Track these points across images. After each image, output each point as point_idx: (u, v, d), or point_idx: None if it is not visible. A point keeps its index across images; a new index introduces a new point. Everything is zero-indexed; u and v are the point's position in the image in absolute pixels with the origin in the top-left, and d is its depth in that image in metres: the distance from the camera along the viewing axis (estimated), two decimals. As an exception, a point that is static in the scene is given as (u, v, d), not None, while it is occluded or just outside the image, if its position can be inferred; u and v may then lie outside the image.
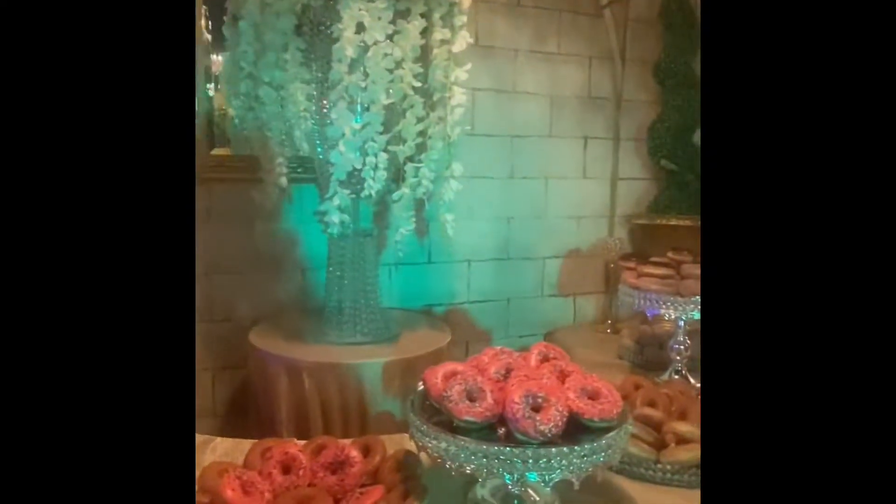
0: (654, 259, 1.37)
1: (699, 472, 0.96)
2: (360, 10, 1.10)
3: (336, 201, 1.18)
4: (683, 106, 1.89)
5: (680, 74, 1.88)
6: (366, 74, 1.13)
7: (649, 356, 1.56)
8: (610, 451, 0.76)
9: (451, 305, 1.84)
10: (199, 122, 1.45)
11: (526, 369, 0.86)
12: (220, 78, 1.46)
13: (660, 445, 1.01)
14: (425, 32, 1.20)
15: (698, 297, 1.26)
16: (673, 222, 1.85)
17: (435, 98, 1.24)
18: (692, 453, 0.96)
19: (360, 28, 1.12)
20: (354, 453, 0.89)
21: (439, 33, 1.21)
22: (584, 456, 0.74)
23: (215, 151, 1.53)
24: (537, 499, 0.84)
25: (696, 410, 1.08)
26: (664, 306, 1.29)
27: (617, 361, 1.62)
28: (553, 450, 0.73)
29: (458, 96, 1.27)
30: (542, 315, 1.97)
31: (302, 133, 1.19)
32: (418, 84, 1.18)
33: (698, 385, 1.36)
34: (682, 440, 1.00)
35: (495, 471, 0.75)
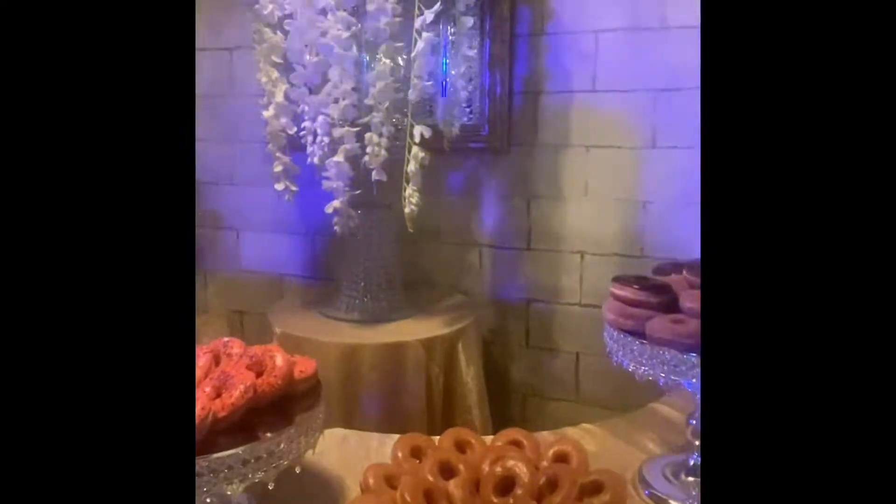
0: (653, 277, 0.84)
1: None
2: (278, -41, 1.03)
3: (278, 167, 1.15)
4: None
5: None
6: (286, 31, 1.06)
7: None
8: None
9: (555, 304, 1.50)
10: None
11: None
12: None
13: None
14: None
15: (682, 353, 0.72)
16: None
17: (382, 48, 1.06)
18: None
19: (283, -18, 1.05)
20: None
21: (379, -30, 1.02)
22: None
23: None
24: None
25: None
26: (621, 351, 0.79)
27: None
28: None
29: (421, 44, 1.05)
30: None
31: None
32: (346, 34, 1.03)
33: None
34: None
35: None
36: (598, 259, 1.45)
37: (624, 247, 1.43)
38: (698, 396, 0.79)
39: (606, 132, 1.40)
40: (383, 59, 1.05)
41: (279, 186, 1.15)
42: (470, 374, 1.27)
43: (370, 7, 1.02)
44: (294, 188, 1.16)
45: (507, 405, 1.57)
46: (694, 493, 0.82)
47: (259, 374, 0.73)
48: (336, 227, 1.12)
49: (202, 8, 1.65)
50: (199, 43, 1.68)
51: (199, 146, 1.75)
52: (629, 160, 1.40)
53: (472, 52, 1.17)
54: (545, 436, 0.96)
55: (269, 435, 0.66)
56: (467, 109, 1.43)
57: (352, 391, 1.17)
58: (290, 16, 1.06)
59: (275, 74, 1.09)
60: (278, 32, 1.08)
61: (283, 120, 1.11)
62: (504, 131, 1.46)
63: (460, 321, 1.29)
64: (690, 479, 0.83)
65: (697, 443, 0.83)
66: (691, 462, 0.84)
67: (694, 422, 0.83)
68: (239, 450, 0.63)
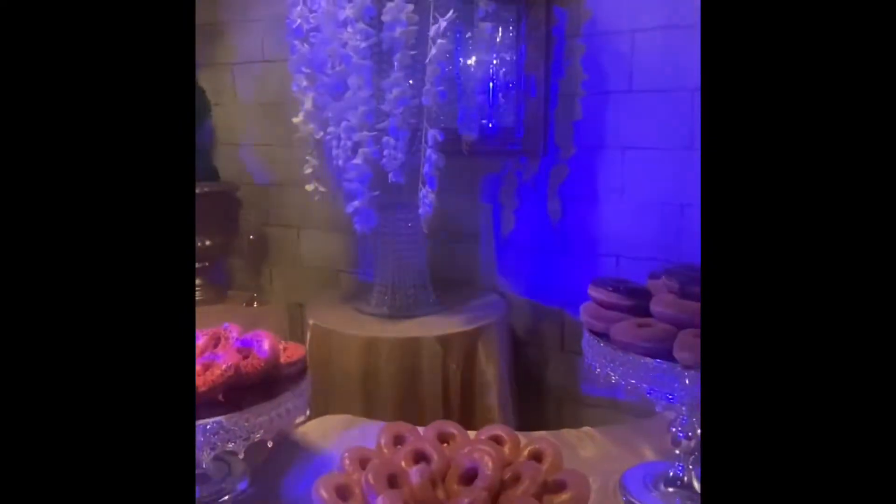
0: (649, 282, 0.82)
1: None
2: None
3: (307, 170, 1.24)
4: None
5: None
6: (311, 43, 1.14)
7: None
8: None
9: (590, 308, 1.48)
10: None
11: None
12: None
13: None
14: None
15: (642, 357, 0.71)
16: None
17: (398, 56, 1.11)
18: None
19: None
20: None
21: (394, -22, 1.07)
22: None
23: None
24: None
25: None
26: (591, 353, 0.79)
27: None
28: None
29: (434, 51, 1.09)
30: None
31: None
32: (364, 44, 1.09)
33: None
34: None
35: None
36: (635, 263, 1.42)
37: (661, 250, 1.39)
38: (666, 405, 0.77)
39: (643, 133, 1.37)
40: (399, 67, 1.10)
41: (309, 188, 1.24)
42: (489, 373, 1.29)
43: (386, 17, 1.08)
44: (322, 189, 1.24)
45: (543, 408, 1.56)
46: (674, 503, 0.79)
47: (246, 357, 0.81)
48: (356, 226, 1.19)
49: (267, 22, 1.80)
50: (265, 55, 1.83)
51: (266, 150, 1.90)
52: (667, 162, 1.36)
53: (489, 57, 1.19)
54: (536, 435, 0.97)
55: (243, 410, 0.74)
56: (498, 112, 1.45)
57: (371, 382, 1.23)
58: (316, 28, 1.15)
59: (304, 83, 1.18)
60: (306, 45, 1.16)
61: (311, 125, 1.19)
62: (539, 133, 1.46)
63: (482, 319, 1.32)
64: (670, 489, 0.81)
65: (677, 451, 0.81)
66: (671, 473, 0.82)
67: (674, 429, 0.81)
68: (208, 421, 0.70)
